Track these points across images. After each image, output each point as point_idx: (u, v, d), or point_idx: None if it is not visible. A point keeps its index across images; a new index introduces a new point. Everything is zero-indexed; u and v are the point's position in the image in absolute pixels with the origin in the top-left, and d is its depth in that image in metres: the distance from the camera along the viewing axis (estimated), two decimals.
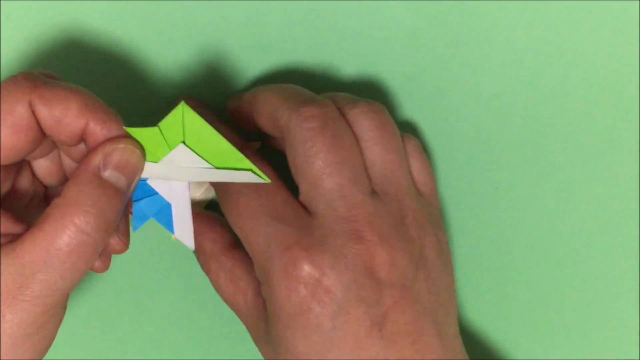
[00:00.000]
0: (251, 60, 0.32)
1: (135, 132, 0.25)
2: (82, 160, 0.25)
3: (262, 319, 0.27)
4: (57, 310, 0.25)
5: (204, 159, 0.26)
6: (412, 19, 0.31)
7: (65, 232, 0.24)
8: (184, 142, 0.25)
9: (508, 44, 0.31)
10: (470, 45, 0.31)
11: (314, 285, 0.25)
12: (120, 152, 0.25)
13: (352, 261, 0.25)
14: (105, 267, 0.27)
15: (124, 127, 0.25)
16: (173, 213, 0.27)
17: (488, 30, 0.31)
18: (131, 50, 0.31)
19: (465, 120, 0.33)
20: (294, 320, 0.26)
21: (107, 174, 0.25)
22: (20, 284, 0.23)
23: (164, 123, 0.25)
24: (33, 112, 0.24)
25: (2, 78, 0.31)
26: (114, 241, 0.27)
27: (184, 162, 0.26)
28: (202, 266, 0.30)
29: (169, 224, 0.27)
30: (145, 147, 0.26)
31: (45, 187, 0.29)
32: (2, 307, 0.23)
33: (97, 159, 0.25)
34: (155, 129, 0.25)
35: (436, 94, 0.32)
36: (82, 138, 0.26)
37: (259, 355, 0.36)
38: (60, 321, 0.26)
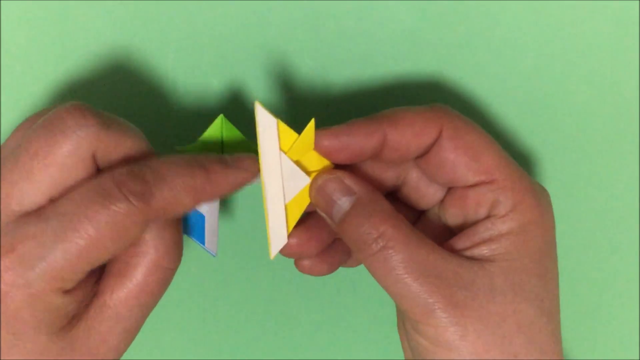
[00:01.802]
0: (251, 60, 0.32)
1: (183, 150, 0.27)
2: None
3: (473, 267, 0.26)
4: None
5: None
6: (412, 19, 0.31)
7: (149, 272, 0.25)
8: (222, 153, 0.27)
9: (508, 44, 0.31)
10: (471, 45, 0.31)
11: (553, 227, 0.28)
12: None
13: None
14: None
15: (176, 148, 0.26)
16: (205, 225, 0.28)
17: (488, 30, 0.31)
18: (130, 49, 0.31)
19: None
20: (549, 247, 0.27)
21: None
22: (119, 329, 0.25)
23: (205, 137, 0.27)
24: (146, 224, 0.25)
25: (2, 79, 0.31)
26: None
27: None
28: (374, 238, 0.25)
29: (201, 236, 0.28)
30: None
31: None
32: (104, 352, 0.25)
33: None
34: (197, 144, 0.27)
35: (436, 94, 0.32)
36: None
37: (259, 355, 0.36)
38: None
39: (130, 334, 0.26)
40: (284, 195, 0.26)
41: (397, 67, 0.32)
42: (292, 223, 0.27)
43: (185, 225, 0.28)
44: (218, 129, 0.27)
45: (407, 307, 0.25)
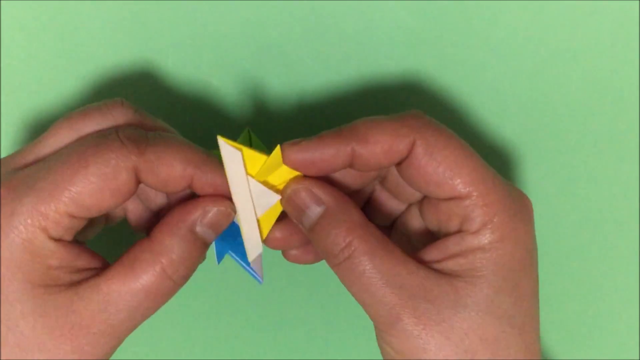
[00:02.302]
0: (251, 61, 0.32)
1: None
2: (179, 210, 0.26)
3: (442, 281, 0.25)
4: (119, 344, 0.26)
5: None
6: (412, 19, 0.31)
7: (154, 276, 0.25)
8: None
9: (508, 44, 0.31)
10: (470, 45, 0.31)
11: (533, 239, 0.27)
12: (219, 214, 0.26)
13: None
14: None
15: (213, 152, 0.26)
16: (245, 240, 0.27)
17: (488, 30, 0.31)
18: (130, 49, 0.31)
19: (465, 120, 0.33)
20: (525, 261, 0.26)
21: (201, 229, 0.26)
22: (103, 319, 0.24)
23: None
24: (136, 175, 0.25)
25: (2, 80, 0.31)
26: None
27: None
28: (342, 247, 0.25)
29: (245, 258, 0.28)
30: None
31: None
32: (83, 340, 0.24)
33: (196, 215, 0.26)
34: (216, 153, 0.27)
35: (436, 94, 0.32)
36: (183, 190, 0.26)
37: (259, 355, 0.36)
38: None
39: (114, 335, 0.25)
40: (256, 213, 0.27)
41: (397, 67, 0.32)
42: (267, 229, 0.27)
43: (232, 244, 0.28)
44: (246, 142, 0.28)
45: (372, 316, 0.25)
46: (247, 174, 0.26)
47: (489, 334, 0.25)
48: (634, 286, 0.35)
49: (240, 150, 0.26)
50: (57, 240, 0.24)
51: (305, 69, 0.32)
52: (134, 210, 0.29)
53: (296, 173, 0.26)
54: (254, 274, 0.29)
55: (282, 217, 0.28)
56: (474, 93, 0.32)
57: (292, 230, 0.28)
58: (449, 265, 0.25)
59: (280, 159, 0.25)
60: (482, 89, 0.32)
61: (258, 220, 0.27)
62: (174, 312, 0.36)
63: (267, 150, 0.28)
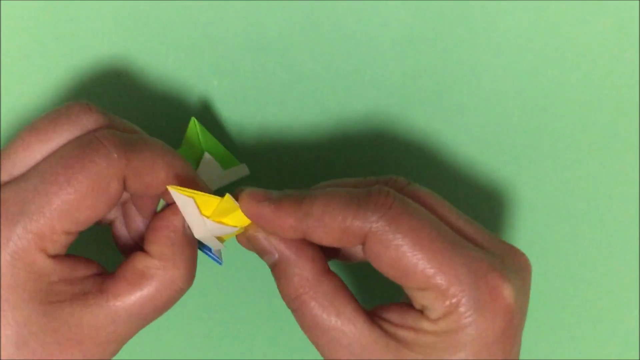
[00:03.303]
0: (251, 61, 0.32)
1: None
2: (163, 221, 0.26)
3: (390, 346, 0.25)
4: None
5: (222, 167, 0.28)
6: (412, 19, 0.31)
7: (162, 290, 0.25)
8: (205, 151, 0.28)
9: (508, 44, 0.31)
10: (470, 45, 0.31)
11: (512, 311, 0.25)
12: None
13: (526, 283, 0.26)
14: None
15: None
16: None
17: (488, 30, 0.31)
18: (130, 49, 0.31)
19: (465, 120, 0.33)
20: (495, 344, 0.24)
21: (189, 230, 0.26)
22: (112, 330, 0.25)
23: (185, 141, 0.28)
24: (124, 182, 0.25)
25: (2, 80, 0.31)
26: None
27: (210, 171, 0.27)
28: (291, 298, 0.26)
29: (205, 246, 0.28)
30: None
31: None
32: (93, 349, 0.25)
33: (180, 219, 0.26)
34: (182, 149, 0.28)
35: (436, 94, 0.32)
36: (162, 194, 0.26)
37: (258, 355, 0.36)
38: None
39: (120, 341, 0.26)
40: (214, 237, 0.27)
41: (397, 67, 0.32)
42: (227, 238, 0.28)
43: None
44: (194, 131, 0.28)
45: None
46: (202, 215, 0.26)
47: None
48: (634, 286, 0.35)
49: (193, 197, 0.25)
50: (55, 256, 0.24)
51: (305, 69, 0.32)
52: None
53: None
54: (215, 258, 0.29)
55: None
56: (474, 93, 0.32)
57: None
58: (404, 334, 0.25)
59: (233, 204, 0.25)
60: (483, 89, 0.32)
61: (218, 237, 0.27)
62: (172, 313, 0.36)
63: (217, 141, 0.29)
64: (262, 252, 0.26)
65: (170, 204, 0.26)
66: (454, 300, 0.24)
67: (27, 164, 0.25)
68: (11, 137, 0.32)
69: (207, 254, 0.28)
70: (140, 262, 0.26)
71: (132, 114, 0.32)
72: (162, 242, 0.26)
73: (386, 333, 0.25)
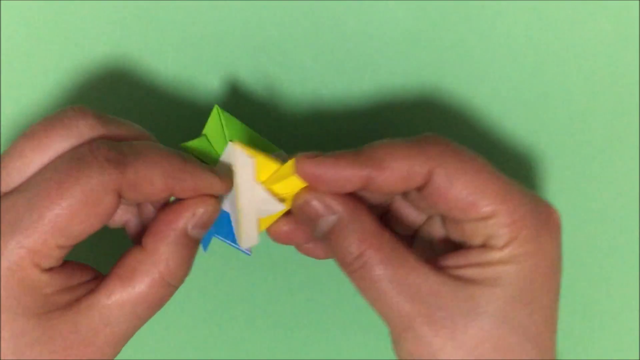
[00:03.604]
0: (251, 61, 0.32)
1: (190, 146, 0.27)
2: (169, 216, 0.26)
3: (458, 287, 0.25)
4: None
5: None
6: (412, 19, 0.31)
7: (154, 287, 0.25)
8: (231, 141, 0.26)
9: (508, 44, 0.31)
10: (470, 45, 0.31)
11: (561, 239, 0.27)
12: (208, 213, 0.26)
13: None
14: None
15: (181, 145, 0.26)
16: (232, 222, 0.27)
17: (488, 30, 0.31)
18: (130, 49, 0.31)
19: (465, 120, 0.33)
20: (553, 272, 0.27)
21: (193, 231, 0.26)
22: (108, 333, 0.25)
23: (207, 130, 0.27)
24: (119, 195, 0.24)
25: (2, 80, 0.31)
26: None
27: (235, 160, 0.26)
28: (354, 257, 0.26)
29: (231, 235, 0.28)
30: (199, 158, 0.27)
31: None
32: (89, 353, 0.25)
33: (186, 218, 0.26)
34: (202, 138, 0.27)
35: (436, 94, 0.32)
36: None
37: (258, 355, 0.36)
38: None
39: (119, 341, 0.25)
40: (257, 215, 0.27)
41: (397, 67, 0.32)
42: (265, 227, 0.27)
43: (217, 228, 0.28)
44: (217, 120, 0.27)
45: (386, 322, 0.25)
46: (256, 180, 0.26)
47: (503, 344, 0.25)
48: (634, 286, 0.35)
49: (254, 157, 0.26)
50: (49, 269, 0.24)
51: (305, 69, 0.32)
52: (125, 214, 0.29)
53: (306, 184, 0.26)
54: (243, 250, 0.28)
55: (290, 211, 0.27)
56: (474, 93, 0.32)
57: (299, 224, 0.28)
58: (468, 272, 0.25)
59: (292, 171, 0.25)
60: (482, 89, 0.32)
61: (259, 220, 0.27)
62: (172, 312, 0.36)
63: (249, 128, 0.28)
64: (316, 216, 0.26)
65: (181, 200, 0.26)
66: (518, 225, 0.25)
67: (23, 173, 0.24)
68: (12, 139, 0.32)
69: (230, 244, 0.28)
70: (133, 257, 0.25)
71: (132, 114, 0.32)
72: (159, 238, 0.25)
73: (452, 276, 0.25)
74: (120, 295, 0.25)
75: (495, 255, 0.25)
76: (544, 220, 0.26)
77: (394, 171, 0.25)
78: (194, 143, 0.27)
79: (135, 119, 0.27)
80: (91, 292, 0.25)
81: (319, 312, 0.36)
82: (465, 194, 0.25)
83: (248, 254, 0.28)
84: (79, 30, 0.31)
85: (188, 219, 0.26)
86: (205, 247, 0.28)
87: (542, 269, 0.26)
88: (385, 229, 0.26)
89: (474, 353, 0.24)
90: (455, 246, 0.27)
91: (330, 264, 0.35)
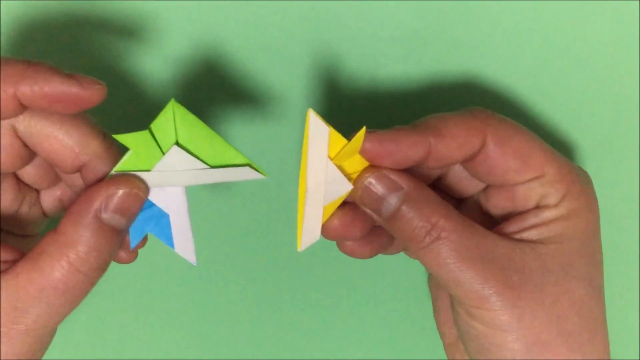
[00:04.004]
0: (251, 61, 0.32)
1: (124, 138, 0.24)
2: (81, 198, 0.24)
3: (525, 249, 0.26)
4: (47, 339, 0.25)
5: (200, 159, 0.25)
6: (412, 19, 0.31)
7: (61, 272, 0.24)
8: (177, 143, 0.24)
9: (508, 44, 0.31)
10: (470, 45, 0.31)
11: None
12: (123, 197, 0.24)
13: None
14: (131, 258, 0.27)
15: (113, 136, 0.24)
16: (172, 224, 0.26)
17: (488, 30, 0.31)
18: (129, 49, 0.31)
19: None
20: (597, 228, 0.28)
21: (108, 216, 0.24)
22: (14, 317, 0.23)
23: (155, 124, 0.24)
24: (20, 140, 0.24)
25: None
26: (123, 254, 0.27)
27: (179, 165, 0.25)
28: (428, 228, 0.25)
29: (168, 238, 0.26)
30: (137, 154, 0.25)
31: (37, 191, 0.29)
32: None
33: (98, 202, 0.24)
34: (146, 132, 0.24)
35: (436, 94, 0.32)
36: (78, 170, 0.25)
37: (257, 355, 0.36)
38: (47, 346, 0.26)
39: (29, 332, 0.24)
40: (324, 199, 0.26)
41: (397, 67, 0.32)
42: (326, 218, 0.27)
43: (154, 226, 0.26)
44: (170, 115, 0.24)
45: (462, 294, 0.25)
46: (327, 156, 0.25)
47: (576, 297, 0.26)
48: (634, 286, 0.35)
49: (329, 128, 0.25)
50: None
51: (305, 69, 0.32)
52: (70, 199, 0.28)
53: (366, 164, 0.26)
54: (184, 257, 0.27)
55: (342, 205, 0.27)
56: (474, 93, 0.32)
57: (353, 217, 0.27)
58: (530, 234, 0.26)
59: (359, 144, 0.25)
60: (482, 89, 0.32)
61: (323, 209, 0.26)
62: (172, 312, 0.36)
63: (204, 125, 0.25)
64: (384, 195, 0.26)
65: (97, 183, 0.25)
66: (568, 181, 0.26)
67: None
68: None
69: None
70: (45, 239, 0.24)
71: (133, 113, 0.32)
72: (71, 220, 0.24)
73: (517, 240, 0.26)
74: (27, 277, 0.23)
75: (552, 213, 0.26)
76: (584, 178, 0.27)
77: (453, 138, 0.26)
78: (130, 135, 0.24)
79: (127, 119, 0.27)
80: (2, 272, 0.24)
81: (319, 312, 0.36)
82: (518, 154, 0.26)
83: (193, 264, 0.27)
84: (78, 30, 0.31)
85: (102, 201, 0.24)
86: (132, 244, 0.26)
87: (595, 222, 0.27)
88: (446, 202, 0.26)
89: (554, 310, 0.25)
90: (502, 219, 0.28)
91: (331, 266, 0.35)
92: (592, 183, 0.28)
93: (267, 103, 0.32)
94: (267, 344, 0.36)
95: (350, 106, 0.32)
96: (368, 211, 0.26)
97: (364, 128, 0.25)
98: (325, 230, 0.27)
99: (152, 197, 0.25)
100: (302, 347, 0.36)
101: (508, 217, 0.28)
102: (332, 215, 0.27)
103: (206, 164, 0.25)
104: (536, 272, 0.25)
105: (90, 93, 0.24)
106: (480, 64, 0.32)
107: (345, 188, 0.26)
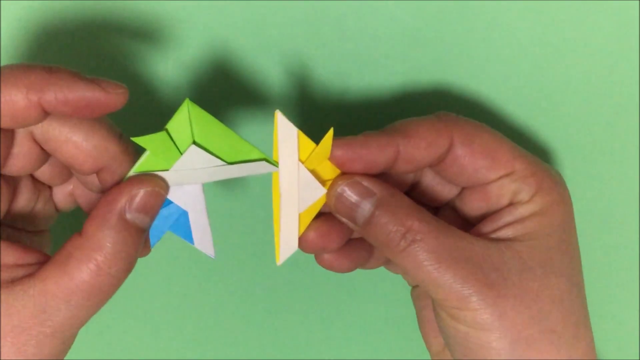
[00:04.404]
0: (251, 61, 0.32)
1: (142, 141, 0.24)
2: (104, 200, 0.25)
3: (501, 247, 0.26)
4: (71, 341, 0.25)
5: (217, 156, 0.25)
6: (412, 19, 0.31)
7: (89, 275, 0.24)
8: (194, 142, 0.25)
9: (508, 44, 0.31)
10: (470, 45, 0.31)
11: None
12: (146, 196, 0.25)
13: None
14: (146, 253, 0.27)
15: (131, 139, 0.24)
16: (190, 220, 0.26)
17: (488, 30, 0.31)
18: (133, 51, 0.31)
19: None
20: (571, 221, 0.28)
21: (132, 216, 0.25)
22: (42, 320, 0.24)
23: (171, 124, 0.25)
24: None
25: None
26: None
27: (197, 163, 0.25)
28: (402, 232, 0.25)
29: (187, 235, 0.26)
30: (155, 155, 0.25)
31: (50, 187, 0.29)
32: (24, 342, 0.23)
33: (122, 202, 0.24)
34: (163, 133, 0.25)
35: (436, 94, 0.32)
36: (95, 172, 0.26)
37: (257, 355, 0.36)
38: (70, 348, 0.26)
39: (56, 333, 0.24)
40: (299, 206, 0.26)
41: (398, 67, 0.32)
42: (302, 229, 0.27)
43: (173, 224, 0.26)
44: (185, 115, 0.25)
45: (442, 296, 0.25)
46: (299, 159, 0.26)
47: (557, 293, 0.26)
48: (634, 286, 0.35)
49: (297, 130, 0.25)
50: None
51: (305, 69, 0.32)
52: (84, 196, 0.28)
53: (338, 172, 0.26)
54: (203, 250, 0.27)
55: (318, 216, 0.27)
56: (474, 93, 0.32)
57: (329, 228, 0.27)
58: (506, 233, 0.26)
59: (329, 148, 0.25)
60: (482, 89, 0.32)
61: (299, 217, 0.26)
62: (172, 313, 0.36)
63: (221, 124, 0.25)
64: (358, 202, 0.26)
65: (118, 185, 0.25)
66: (539, 176, 0.26)
67: None
68: None
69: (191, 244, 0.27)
70: (71, 242, 0.24)
71: (135, 112, 0.32)
72: (96, 222, 0.24)
73: (493, 239, 0.26)
74: (55, 282, 0.24)
75: (526, 209, 0.26)
76: (554, 173, 0.27)
77: (420, 139, 0.26)
78: (148, 137, 0.24)
79: (129, 120, 0.27)
80: (28, 275, 0.24)
81: (320, 312, 0.36)
82: (486, 153, 0.26)
83: (212, 256, 0.27)
84: (77, 30, 0.31)
85: (125, 201, 0.24)
86: (153, 243, 0.26)
87: (568, 216, 0.27)
88: (420, 206, 0.26)
89: (535, 307, 0.25)
90: (479, 221, 0.28)
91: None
92: (563, 179, 0.28)
93: (277, 106, 0.32)
94: (268, 344, 0.36)
95: (346, 113, 0.32)
96: (344, 220, 0.26)
97: (331, 129, 0.25)
98: (302, 243, 0.27)
99: (170, 195, 0.26)
100: (302, 347, 0.36)
101: (482, 218, 0.28)
102: (308, 227, 0.27)
103: (223, 160, 0.25)
104: (514, 270, 0.25)
105: (113, 98, 0.24)
106: (459, 72, 0.32)
107: (318, 192, 0.26)
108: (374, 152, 0.26)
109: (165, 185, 0.25)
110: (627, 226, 0.34)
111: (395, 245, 0.25)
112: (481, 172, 0.27)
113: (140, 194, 0.25)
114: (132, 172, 0.25)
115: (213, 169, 0.25)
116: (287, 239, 0.26)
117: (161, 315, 0.36)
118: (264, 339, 0.36)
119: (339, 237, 0.28)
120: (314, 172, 0.26)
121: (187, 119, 0.25)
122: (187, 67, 0.32)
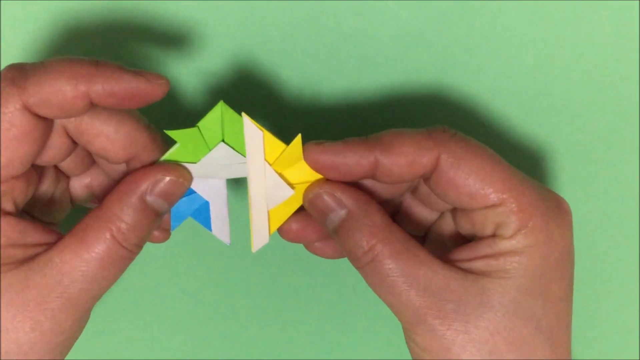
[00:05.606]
0: (251, 61, 0.32)
1: (175, 134, 0.26)
2: (130, 178, 0.25)
3: (468, 280, 0.26)
4: (86, 316, 0.26)
5: (242, 155, 0.27)
6: (412, 19, 0.31)
7: (106, 244, 0.24)
8: (223, 141, 0.26)
9: (508, 44, 0.31)
10: (470, 45, 0.31)
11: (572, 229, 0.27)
12: (169, 184, 0.26)
13: None
14: (166, 237, 0.28)
15: (165, 132, 0.26)
16: (211, 211, 0.28)
17: (488, 30, 0.31)
18: (136, 51, 0.32)
19: (465, 119, 0.33)
20: (565, 258, 0.27)
21: (152, 199, 0.25)
22: (59, 293, 0.24)
23: (203, 122, 0.26)
24: (33, 113, 0.24)
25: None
26: (157, 233, 0.28)
27: (223, 159, 0.26)
28: (364, 250, 0.25)
29: (207, 222, 0.28)
30: (185, 148, 0.26)
31: (68, 177, 0.29)
32: (41, 316, 0.24)
33: (145, 185, 0.25)
34: (194, 129, 0.26)
35: (436, 94, 0.32)
36: (125, 162, 0.26)
37: (257, 355, 0.36)
38: (84, 325, 0.26)
39: (73, 307, 0.24)
40: (267, 203, 0.27)
41: (396, 67, 0.32)
42: (277, 225, 0.28)
43: (194, 212, 0.28)
44: (218, 115, 0.26)
45: (398, 316, 0.26)
46: (266, 160, 0.26)
47: (515, 336, 0.25)
48: (634, 286, 0.35)
49: (262, 132, 0.26)
50: (6, 214, 0.24)
51: (305, 70, 0.32)
52: (100, 185, 0.29)
53: (318, 175, 0.26)
54: (219, 237, 0.29)
55: (300, 209, 0.28)
56: (474, 93, 0.32)
57: (309, 222, 0.28)
58: (479, 265, 0.25)
59: (300, 151, 0.26)
60: (483, 89, 0.32)
61: (269, 213, 0.27)
62: (172, 312, 0.36)
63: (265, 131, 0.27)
64: (327, 210, 0.26)
65: (145, 167, 0.26)
66: (527, 213, 0.25)
67: None
68: None
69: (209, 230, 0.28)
70: (90, 218, 0.25)
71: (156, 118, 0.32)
72: (115, 197, 0.25)
73: (462, 270, 0.25)
74: (72, 253, 0.24)
75: (505, 245, 0.25)
76: (553, 209, 0.26)
77: (401, 155, 0.25)
78: (180, 131, 0.26)
79: (165, 124, 0.27)
80: (46, 251, 0.25)
81: (320, 312, 0.36)
82: (472, 180, 0.25)
83: (227, 243, 0.28)
84: (77, 30, 0.31)
85: (149, 185, 0.25)
86: (173, 226, 0.28)
87: (553, 260, 0.25)
88: (395, 224, 0.26)
89: (486, 346, 0.25)
90: (466, 242, 0.27)
91: (333, 265, 0.35)
92: (563, 217, 0.26)
93: (277, 106, 0.32)
94: (268, 344, 0.36)
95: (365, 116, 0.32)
96: (317, 222, 0.27)
97: (299, 135, 0.25)
98: (285, 233, 0.28)
99: (194, 186, 0.27)
100: (303, 347, 0.36)
101: (471, 238, 0.27)
102: (289, 218, 0.28)
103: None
104: (473, 305, 0.25)
105: (157, 88, 0.24)
106: (458, 72, 0.32)
107: (286, 192, 0.27)
108: (350, 162, 0.25)
109: (189, 177, 0.26)
110: (627, 226, 0.34)
111: (357, 259, 0.26)
112: (464, 199, 0.25)
113: (165, 180, 0.26)
114: (162, 159, 0.27)
115: (237, 166, 0.27)
116: (258, 231, 0.27)
117: (161, 316, 0.36)
118: (264, 338, 0.36)
119: (319, 229, 0.28)
120: (287, 174, 0.27)
121: (219, 119, 0.26)
122: (191, 70, 0.32)
